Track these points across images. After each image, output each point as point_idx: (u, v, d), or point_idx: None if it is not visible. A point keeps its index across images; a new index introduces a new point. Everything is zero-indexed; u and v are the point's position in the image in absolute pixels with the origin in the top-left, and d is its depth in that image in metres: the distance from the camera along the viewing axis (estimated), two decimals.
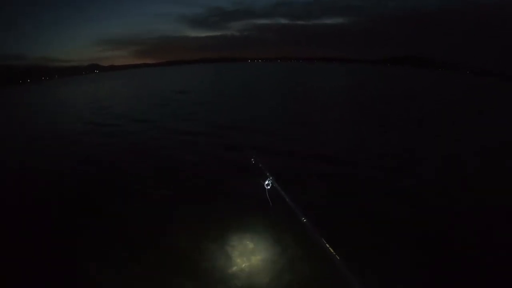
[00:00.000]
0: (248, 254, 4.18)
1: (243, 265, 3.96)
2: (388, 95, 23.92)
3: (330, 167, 7.55)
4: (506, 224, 5.05)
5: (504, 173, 7.49)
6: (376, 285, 3.46)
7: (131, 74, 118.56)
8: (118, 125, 12.58)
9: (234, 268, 3.91)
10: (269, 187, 2.14)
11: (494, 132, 11.99)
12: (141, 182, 6.81)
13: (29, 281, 3.87)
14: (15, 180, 7.56)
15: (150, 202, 5.91)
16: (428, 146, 9.74)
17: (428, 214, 5.31)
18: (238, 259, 4.09)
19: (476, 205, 5.70)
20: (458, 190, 6.35)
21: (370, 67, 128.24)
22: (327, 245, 1.30)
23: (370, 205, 5.59)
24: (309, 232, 1.46)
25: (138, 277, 3.83)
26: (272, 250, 4.24)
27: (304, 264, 3.86)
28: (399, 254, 4.10)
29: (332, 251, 1.24)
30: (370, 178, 6.89)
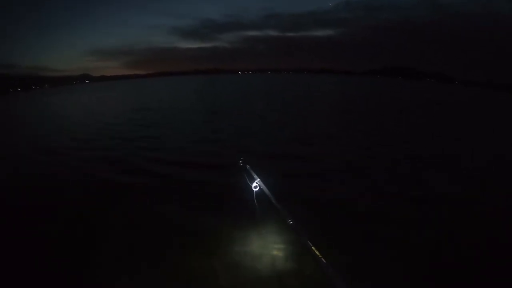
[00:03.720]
0: (232, 256, 4.18)
1: (227, 266, 3.95)
2: (379, 107, 23.81)
3: (318, 170, 7.79)
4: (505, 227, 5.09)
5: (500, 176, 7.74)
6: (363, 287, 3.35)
7: (120, 85, 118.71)
8: (68, 154, 10.48)
9: (217, 268, 3.90)
10: (256, 189, 2.13)
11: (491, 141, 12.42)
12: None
13: None
14: None
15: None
16: (423, 150, 10.05)
17: (422, 217, 5.33)
18: (222, 259, 4.10)
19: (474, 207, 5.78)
20: (452, 191, 6.53)
21: (360, 79, 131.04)
22: (313, 248, 1.29)
23: (359, 209, 5.64)
24: (295, 234, 1.46)
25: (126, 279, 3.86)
26: (258, 252, 4.23)
27: (290, 267, 3.83)
28: (387, 258, 4.11)
29: (318, 254, 1.24)
30: (359, 182, 7.00)
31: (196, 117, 18.07)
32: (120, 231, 5.12)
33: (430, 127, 15.00)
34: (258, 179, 2.20)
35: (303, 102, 27.70)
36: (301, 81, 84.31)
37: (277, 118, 17.15)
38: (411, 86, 77.73)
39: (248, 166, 2.44)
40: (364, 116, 18.33)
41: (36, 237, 5.06)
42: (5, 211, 6.19)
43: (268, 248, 4.34)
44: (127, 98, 39.32)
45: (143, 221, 5.42)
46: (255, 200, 2.14)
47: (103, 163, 9.19)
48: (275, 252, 4.16)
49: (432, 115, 20.14)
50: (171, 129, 14.43)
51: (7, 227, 5.45)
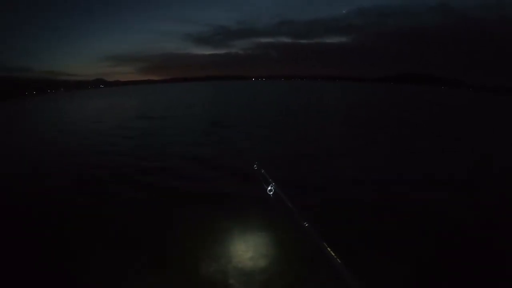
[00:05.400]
0: (250, 257, 4.14)
1: (244, 268, 3.92)
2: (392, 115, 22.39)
3: (331, 172, 7.87)
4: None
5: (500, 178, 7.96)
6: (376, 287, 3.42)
7: (134, 90, 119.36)
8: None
9: (235, 271, 3.87)
10: (271, 193, 2.15)
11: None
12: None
13: None
14: None
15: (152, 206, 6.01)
16: (432, 158, 9.96)
17: (431, 221, 5.34)
18: (240, 262, 4.04)
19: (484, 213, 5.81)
20: (465, 198, 6.51)
21: (374, 85, 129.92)
22: (328, 248, 1.31)
23: (372, 211, 5.66)
24: (310, 236, 1.50)
25: (136, 274, 3.96)
26: (274, 253, 4.23)
27: (305, 266, 3.85)
28: (400, 258, 4.13)
29: (333, 254, 1.26)
30: (373, 185, 6.99)
31: (198, 126, 17.14)
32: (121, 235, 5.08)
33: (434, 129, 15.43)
34: (273, 183, 2.19)
35: (315, 110, 26.97)
36: (314, 88, 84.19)
37: (288, 127, 16.36)
38: (424, 92, 78.17)
39: (263, 170, 2.40)
40: (374, 125, 17.50)
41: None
42: None
43: (282, 248, 4.33)
44: (137, 104, 38.86)
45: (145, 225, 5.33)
46: (270, 203, 2.09)
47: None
48: (289, 253, 4.19)
49: (440, 121, 19.59)
50: (170, 137, 13.63)
51: None
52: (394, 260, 4.14)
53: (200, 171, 8.26)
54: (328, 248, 1.26)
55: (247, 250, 4.38)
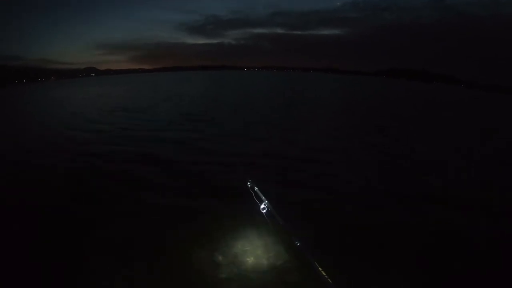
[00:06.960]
0: (240, 277, 4.01)
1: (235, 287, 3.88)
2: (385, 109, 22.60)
3: (324, 189, 7.30)
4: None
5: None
6: None
7: (124, 79, 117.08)
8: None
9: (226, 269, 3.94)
10: (264, 211, 2.18)
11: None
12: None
13: None
14: None
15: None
16: (422, 160, 9.94)
17: (426, 241, 5.19)
18: (230, 281, 3.94)
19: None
20: (459, 204, 6.59)
21: (367, 79, 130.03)
22: (319, 268, 1.33)
23: (365, 230, 5.44)
24: (302, 255, 1.52)
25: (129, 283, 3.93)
26: (265, 272, 4.09)
27: (296, 286, 3.80)
28: (392, 279, 4.11)
29: (324, 274, 1.28)
30: (367, 202, 6.66)
31: (180, 122, 15.97)
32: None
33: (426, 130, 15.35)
34: (266, 201, 2.18)
35: (309, 105, 26.00)
36: (307, 80, 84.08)
37: (280, 126, 15.43)
38: (419, 87, 77.75)
39: (256, 188, 2.35)
40: (370, 123, 16.92)
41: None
42: None
43: (275, 268, 4.19)
44: (122, 95, 37.74)
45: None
46: (263, 221, 2.14)
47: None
48: (282, 273, 4.06)
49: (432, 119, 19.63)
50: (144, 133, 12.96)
51: None
52: (388, 283, 4.08)
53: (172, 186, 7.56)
54: (320, 268, 1.25)
55: (238, 268, 4.17)
